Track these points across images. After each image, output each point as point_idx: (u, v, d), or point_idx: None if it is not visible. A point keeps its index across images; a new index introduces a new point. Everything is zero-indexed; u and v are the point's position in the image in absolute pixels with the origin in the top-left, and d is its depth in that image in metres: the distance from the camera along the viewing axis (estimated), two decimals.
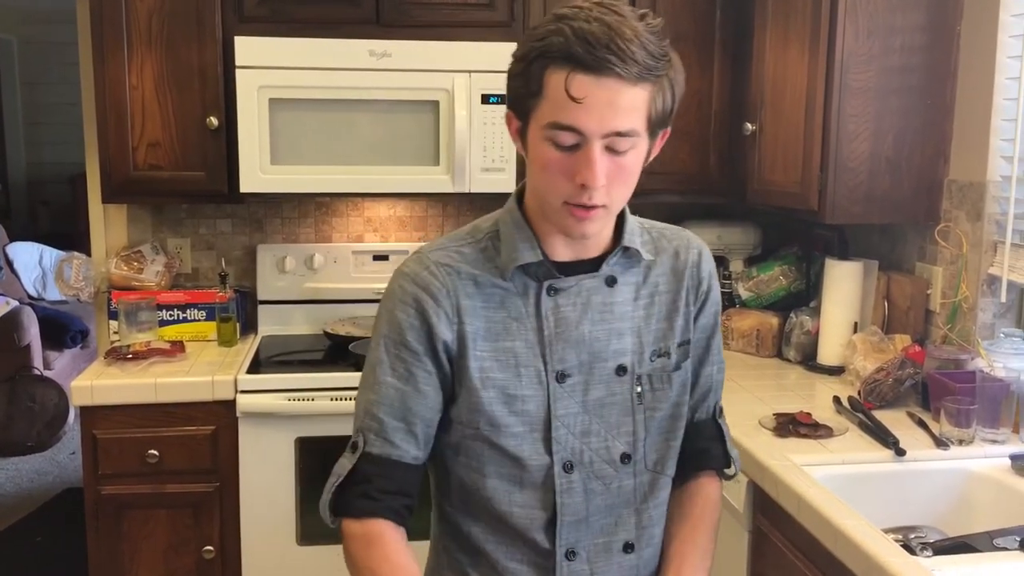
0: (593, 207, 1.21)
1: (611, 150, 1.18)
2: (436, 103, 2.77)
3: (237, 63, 2.70)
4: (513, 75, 1.23)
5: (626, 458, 1.33)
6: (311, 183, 2.79)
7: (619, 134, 1.17)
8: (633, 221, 1.36)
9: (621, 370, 1.32)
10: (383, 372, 1.28)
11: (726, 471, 1.48)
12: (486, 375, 1.28)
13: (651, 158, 1.27)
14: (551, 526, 1.32)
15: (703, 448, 1.44)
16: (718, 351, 1.45)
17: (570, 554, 1.33)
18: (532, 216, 1.31)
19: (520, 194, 1.34)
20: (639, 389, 1.33)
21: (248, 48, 2.70)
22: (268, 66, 2.71)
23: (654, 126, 1.21)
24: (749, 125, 2.82)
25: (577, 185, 1.19)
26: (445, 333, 1.27)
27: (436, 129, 2.79)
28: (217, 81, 2.77)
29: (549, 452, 1.30)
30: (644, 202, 3.04)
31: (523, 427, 1.29)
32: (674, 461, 1.39)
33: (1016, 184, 2.27)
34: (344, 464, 1.30)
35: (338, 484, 1.29)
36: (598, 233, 1.28)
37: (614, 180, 1.20)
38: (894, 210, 2.52)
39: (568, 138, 1.17)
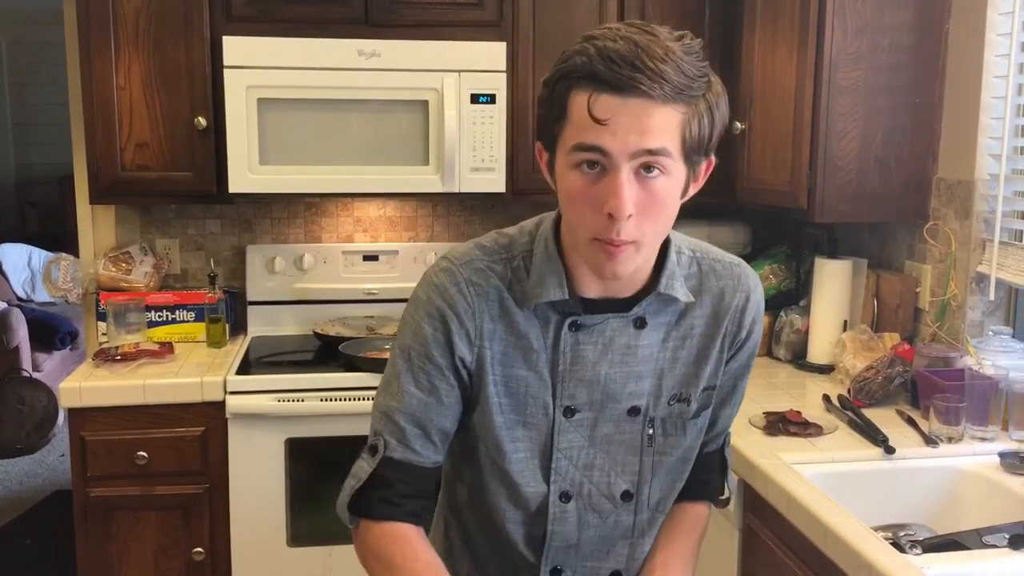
0: (622, 243, 1.11)
1: (641, 174, 1.10)
2: (425, 103, 2.77)
3: (225, 63, 2.69)
4: (540, 101, 1.17)
5: (627, 496, 1.32)
6: (300, 183, 2.78)
7: (649, 152, 1.08)
8: (676, 259, 1.27)
9: (634, 411, 1.29)
10: (406, 382, 1.27)
11: (720, 498, 1.48)
12: (498, 400, 1.27)
13: (692, 189, 1.19)
14: (540, 545, 1.33)
15: (705, 480, 1.44)
16: (741, 394, 1.42)
17: (556, 571, 1.35)
18: (566, 248, 1.24)
19: (558, 220, 1.26)
20: (650, 431, 1.30)
21: (236, 48, 2.69)
22: (256, 66, 2.70)
23: (690, 152, 1.12)
24: (738, 124, 2.82)
25: (605, 217, 1.10)
26: (465, 353, 1.25)
27: (425, 129, 2.78)
28: (205, 81, 2.76)
29: (547, 481, 1.29)
30: None
31: (524, 453, 1.29)
32: (674, 499, 1.40)
33: (1004, 182, 2.27)
34: (363, 467, 1.29)
35: (358, 487, 1.29)
36: (632, 275, 1.20)
37: (645, 211, 1.11)
38: (883, 208, 2.52)
39: (593, 158, 1.10)
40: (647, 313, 1.26)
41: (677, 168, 1.12)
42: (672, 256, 1.26)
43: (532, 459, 1.29)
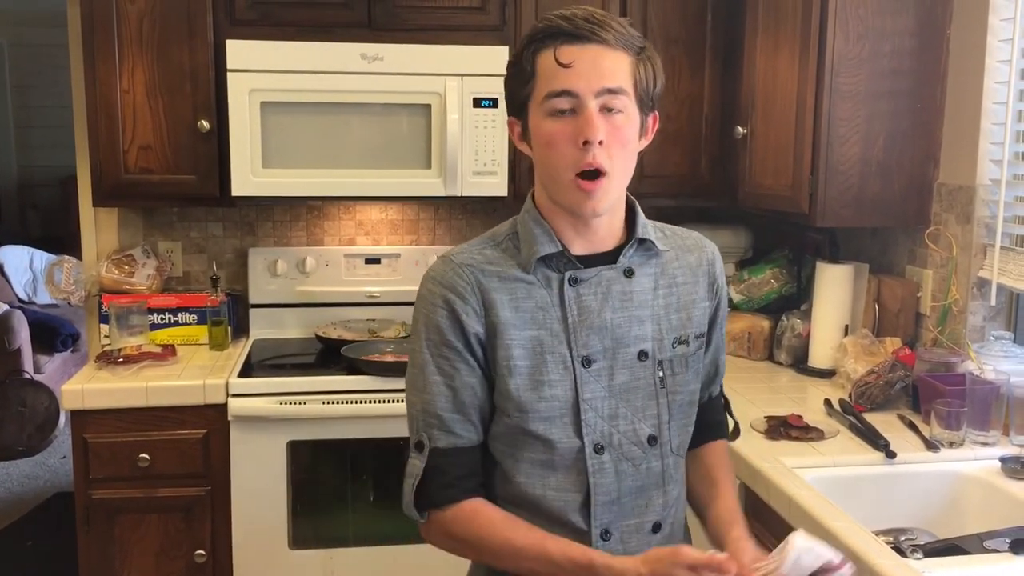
0: (596, 173, 1.29)
1: (605, 110, 1.29)
2: (428, 107, 2.77)
3: (228, 66, 2.70)
4: (508, 77, 1.37)
5: (652, 440, 1.41)
6: (303, 187, 2.79)
7: (610, 91, 1.29)
8: (645, 217, 1.45)
9: (643, 355, 1.39)
10: (431, 372, 1.37)
11: (731, 434, 1.66)
12: (513, 363, 1.36)
13: (642, 142, 1.38)
14: (585, 507, 1.39)
15: (719, 420, 1.60)
16: (723, 336, 1.57)
17: (605, 534, 1.40)
18: (547, 214, 1.39)
19: (534, 197, 1.43)
20: (661, 374, 1.41)
21: (240, 51, 2.70)
22: (260, 69, 2.71)
23: (641, 96, 1.33)
24: (740, 129, 2.82)
25: (580, 148, 1.29)
26: (475, 327, 1.36)
27: (428, 133, 2.79)
28: (208, 84, 2.77)
29: (579, 435, 1.37)
30: None
31: (553, 412, 1.36)
32: (687, 443, 1.49)
33: (1005, 187, 2.28)
34: (416, 464, 1.38)
35: (417, 484, 1.37)
36: (608, 211, 1.36)
37: (612, 143, 1.30)
38: (884, 213, 2.53)
39: (564, 103, 1.29)
40: (633, 264, 1.41)
41: (632, 109, 1.33)
42: (640, 212, 1.44)
43: (562, 416, 1.37)
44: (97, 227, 3.16)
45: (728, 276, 3.12)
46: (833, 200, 2.48)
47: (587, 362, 1.37)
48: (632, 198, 1.44)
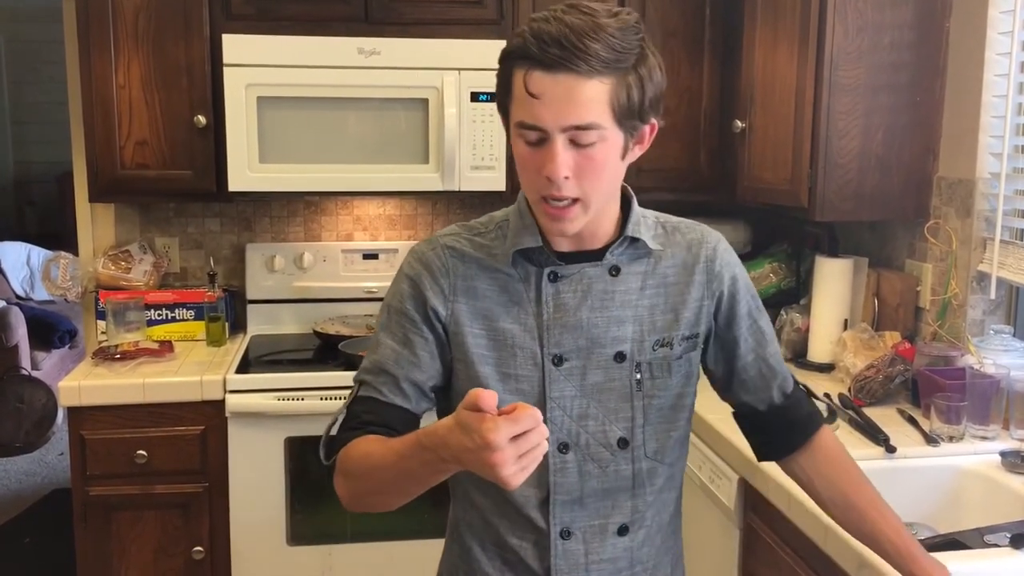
0: (563, 201, 1.24)
1: (575, 144, 1.22)
2: (425, 101, 2.76)
3: (225, 61, 2.69)
4: (497, 80, 1.31)
5: (623, 443, 1.37)
6: (300, 182, 2.78)
7: (578, 128, 1.20)
8: (641, 213, 1.39)
9: (619, 357, 1.35)
10: (383, 335, 1.36)
11: (828, 421, 1.53)
12: (481, 352, 1.34)
13: (636, 151, 1.30)
14: (545, 505, 1.36)
15: (806, 413, 1.48)
16: (770, 330, 1.47)
17: (565, 533, 1.37)
18: (534, 207, 1.35)
19: None
20: (638, 376, 1.36)
21: (236, 46, 2.69)
22: (256, 64, 2.70)
23: (622, 118, 1.23)
24: (739, 123, 2.82)
25: (544, 178, 1.23)
26: (438, 306, 1.34)
27: (425, 127, 2.78)
28: (205, 79, 2.76)
29: None
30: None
31: None
32: (674, 451, 1.43)
33: (1005, 180, 2.27)
34: (339, 410, 1.36)
35: (332, 427, 1.34)
36: (579, 231, 1.30)
37: (583, 173, 1.23)
38: (883, 207, 2.52)
39: (532, 135, 1.23)
40: (620, 262, 1.36)
41: (612, 134, 1.23)
42: (636, 207, 1.38)
43: None
44: (94, 223, 3.15)
45: None
46: (832, 194, 2.47)
47: (558, 360, 1.33)
48: (629, 191, 1.38)
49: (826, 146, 2.45)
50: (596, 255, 1.36)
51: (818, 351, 2.70)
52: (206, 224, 3.21)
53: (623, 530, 1.40)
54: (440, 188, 2.81)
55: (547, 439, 1.09)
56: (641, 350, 1.36)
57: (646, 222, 1.40)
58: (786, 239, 3.08)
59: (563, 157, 1.21)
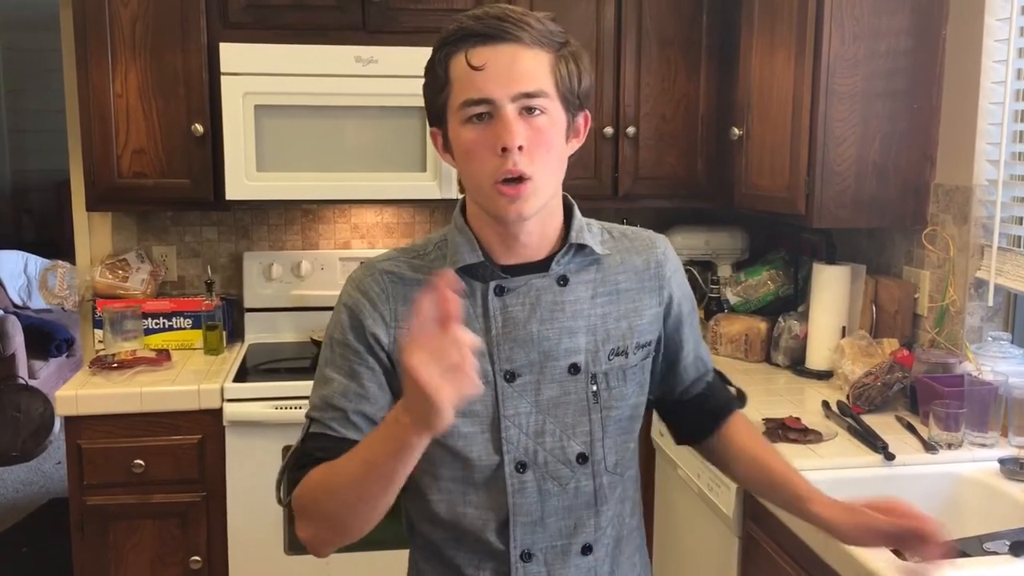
0: (519, 179, 1.21)
1: (525, 112, 1.21)
2: (423, 109, 2.75)
3: (222, 69, 2.69)
4: (425, 85, 1.30)
5: (582, 458, 1.33)
6: (297, 190, 2.78)
7: (527, 95, 1.20)
8: (584, 220, 1.37)
9: (574, 369, 1.32)
10: (329, 370, 1.32)
11: (740, 401, 1.55)
12: None
13: (574, 143, 1.30)
14: (505, 528, 1.32)
15: (724, 399, 1.52)
16: (694, 331, 1.48)
17: (526, 556, 1.33)
18: (474, 223, 1.32)
19: (464, 206, 1.36)
20: (594, 388, 1.33)
21: (233, 54, 2.69)
22: (253, 72, 2.69)
23: (565, 95, 1.25)
24: (736, 130, 2.82)
25: (499, 155, 1.20)
26: (380, 334, 1.30)
27: (423, 135, 2.78)
28: (202, 88, 2.76)
29: (500, 452, 1.30)
30: (632, 207, 3.07)
31: (472, 427, 1.30)
32: (633, 462, 1.41)
33: (1002, 188, 2.27)
34: (291, 451, 1.32)
35: (285, 469, 1.31)
36: (537, 215, 1.27)
37: (534, 147, 1.21)
38: (881, 214, 2.52)
39: (479, 109, 1.21)
40: (568, 272, 1.33)
41: (556, 109, 1.24)
42: (578, 215, 1.35)
43: (482, 433, 1.30)
44: (91, 232, 3.15)
45: (725, 278, 3.12)
46: (829, 201, 2.47)
47: (510, 376, 1.29)
48: (570, 199, 1.36)
49: (823, 153, 2.45)
50: (541, 266, 1.32)
51: (816, 358, 2.70)
52: (203, 232, 3.21)
53: (587, 549, 1.35)
54: (438, 196, 2.81)
55: (474, 352, 1.04)
56: (596, 360, 1.33)
57: (590, 228, 1.37)
58: (784, 246, 3.09)
59: (517, 125, 1.20)
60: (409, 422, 1.06)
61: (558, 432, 1.32)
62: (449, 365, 1.02)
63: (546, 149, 1.23)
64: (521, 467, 1.30)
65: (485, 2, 2.82)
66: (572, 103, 1.27)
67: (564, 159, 1.29)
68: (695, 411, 1.50)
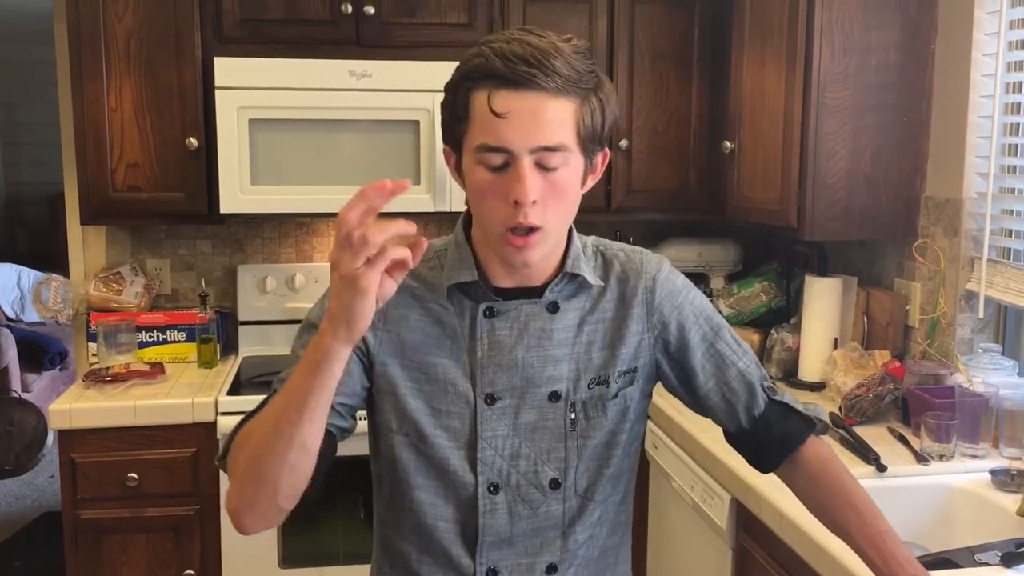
0: (530, 229, 1.18)
1: (541, 167, 1.17)
2: (417, 123, 2.78)
3: (216, 84, 2.70)
4: (444, 106, 1.25)
5: (555, 483, 1.32)
6: (292, 203, 2.79)
7: (547, 149, 1.16)
8: (580, 246, 1.34)
9: (554, 396, 1.31)
10: (298, 347, 1.31)
11: (817, 430, 1.42)
12: (413, 385, 1.30)
13: (590, 181, 1.27)
14: (473, 544, 1.32)
15: (785, 432, 1.39)
16: (733, 349, 1.38)
17: (491, 572, 1.33)
18: (476, 241, 1.30)
19: (469, 218, 1.33)
20: (572, 416, 1.32)
21: (228, 69, 2.70)
22: (248, 87, 2.71)
23: (586, 142, 1.21)
24: (728, 143, 2.84)
25: (511, 205, 1.17)
26: (367, 335, 1.27)
27: (417, 149, 2.79)
28: (196, 102, 2.77)
29: (474, 471, 1.30)
30: (625, 219, 3.08)
31: (450, 443, 1.30)
32: (606, 488, 1.37)
33: (991, 200, 2.29)
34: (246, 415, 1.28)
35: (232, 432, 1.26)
36: (541, 261, 1.25)
37: (548, 199, 1.19)
38: (872, 226, 2.53)
39: (497, 158, 1.17)
40: (559, 298, 1.31)
41: (575, 159, 1.20)
42: (576, 242, 1.33)
43: (458, 449, 1.30)
44: (85, 245, 3.15)
45: (717, 290, 3.13)
46: (821, 214, 2.49)
47: (491, 399, 1.29)
48: (570, 227, 1.31)
49: (814, 166, 2.46)
50: (536, 292, 1.30)
51: (808, 370, 2.71)
52: (198, 246, 3.22)
53: (551, 569, 1.35)
54: (432, 209, 2.82)
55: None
56: (576, 388, 1.31)
57: (585, 254, 1.34)
58: (776, 258, 3.10)
59: (532, 180, 1.16)
60: (328, 326, 1.06)
61: (533, 457, 1.31)
62: (368, 260, 1.01)
63: (559, 201, 1.20)
64: (494, 488, 1.31)
65: (504, 23, 2.83)
66: (592, 148, 1.23)
67: (578, 201, 1.25)
68: (748, 444, 1.41)
